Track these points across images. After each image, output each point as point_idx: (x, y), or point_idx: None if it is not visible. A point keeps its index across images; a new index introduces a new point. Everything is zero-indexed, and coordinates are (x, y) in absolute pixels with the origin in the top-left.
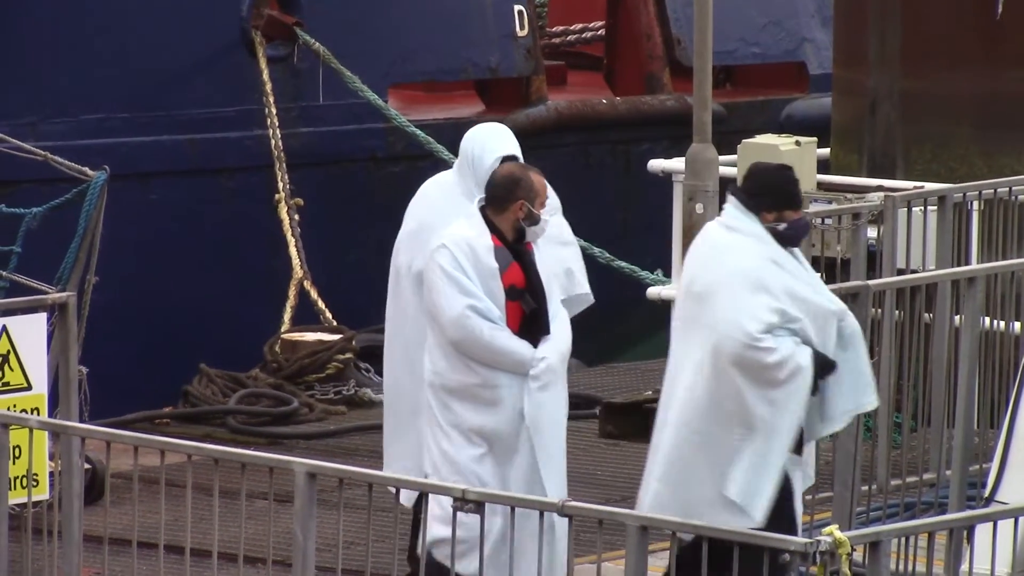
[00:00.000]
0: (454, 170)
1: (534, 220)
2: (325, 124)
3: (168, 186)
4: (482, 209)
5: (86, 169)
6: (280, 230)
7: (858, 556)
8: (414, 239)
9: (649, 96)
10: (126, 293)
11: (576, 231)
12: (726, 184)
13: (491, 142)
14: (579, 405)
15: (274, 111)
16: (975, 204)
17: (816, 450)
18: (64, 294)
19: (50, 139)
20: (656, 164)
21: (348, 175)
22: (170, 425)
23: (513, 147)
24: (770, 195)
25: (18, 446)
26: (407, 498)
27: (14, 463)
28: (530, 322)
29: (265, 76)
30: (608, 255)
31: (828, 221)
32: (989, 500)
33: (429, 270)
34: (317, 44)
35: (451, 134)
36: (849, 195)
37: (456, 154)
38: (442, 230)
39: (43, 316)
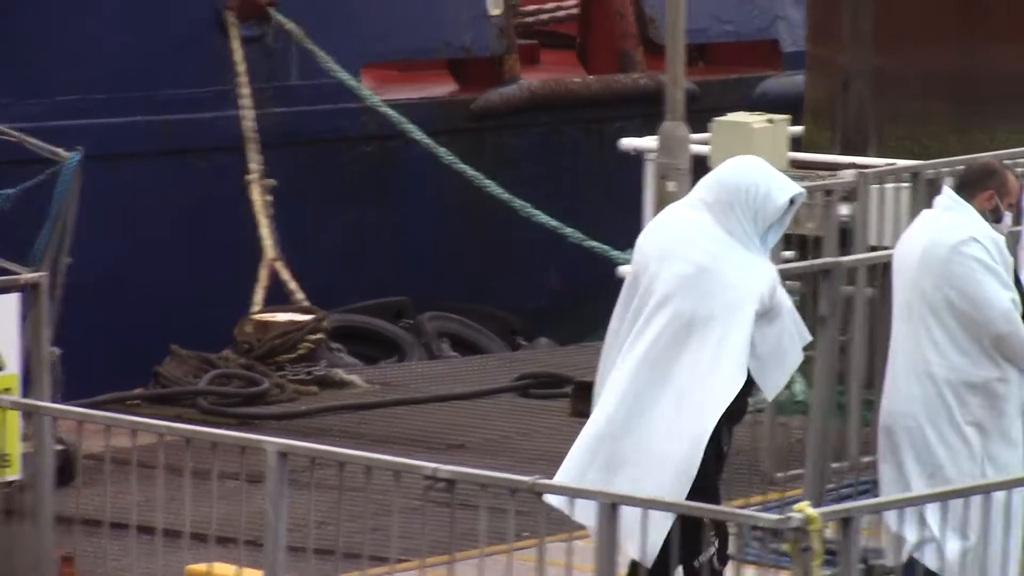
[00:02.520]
0: (706, 209)
1: (998, 216)
2: (298, 104)
3: (142, 167)
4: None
5: (60, 150)
6: (252, 211)
7: (830, 533)
8: (696, 286)
9: (622, 75)
10: (99, 274)
11: (548, 210)
12: (698, 162)
13: (779, 179)
14: (550, 384)
15: (247, 91)
16: (948, 181)
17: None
18: (36, 274)
19: (25, 120)
20: (628, 142)
21: (321, 155)
22: (141, 406)
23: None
24: None
25: None
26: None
27: None
28: None
29: (238, 56)
30: (580, 234)
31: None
32: None
33: (961, 264)
34: (290, 24)
35: (424, 113)
36: (822, 172)
37: (430, 133)
38: (729, 275)
39: (15, 296)
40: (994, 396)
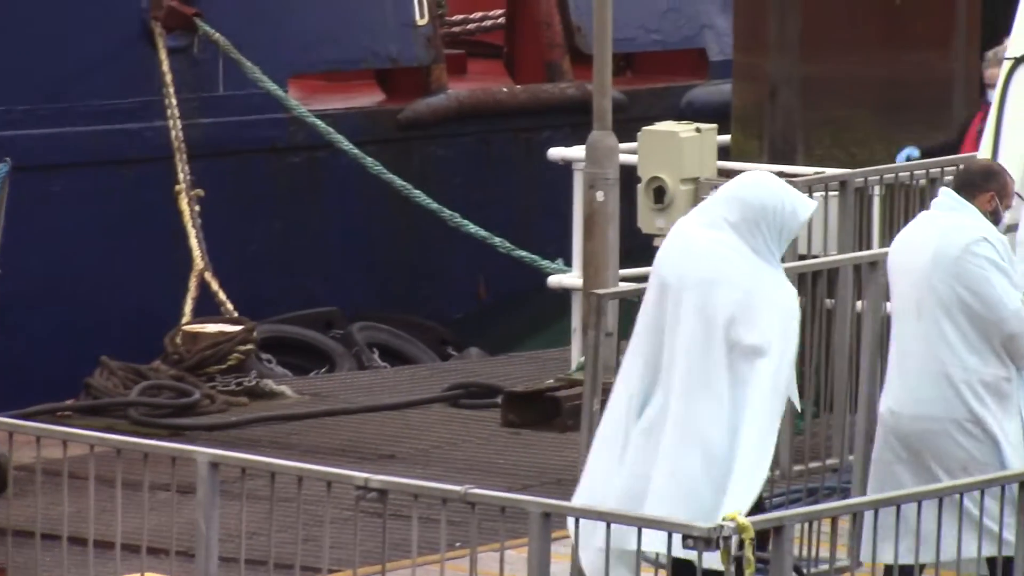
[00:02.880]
0: (731, 228)
1: (997, 218)
2: (225, 114)
3: (70, 177)
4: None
5: None
6: (181, 221)
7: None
8: (749, 311)
9: (549, 84)
10: (29, 285)
11: (477, 220)
12: (627, 172)
13: (797, 195)
14: (481, 394)
15: (174, 102)
16: (876, 189)
17: None
18: None
19: None
20: (556, 152)
21: (249, 165)
22: (72, 417)
23: None
24: None
25: None
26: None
27: None
28: None
29: (165, 67)
30: (509, 244)
31: None
32: None
33: (973, 264)
34: (217, 35)
35: (352, 123)
36: None
37: (358, 144)
38: (775, 297)
39: None
40: (1002, 396)
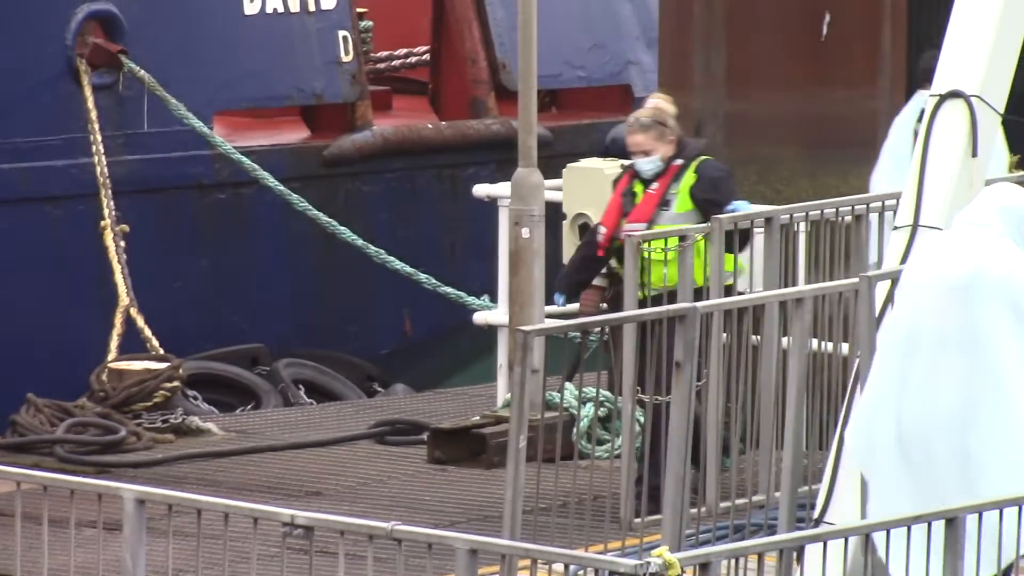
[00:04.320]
0: (1004, 235)
1: None
2: (151, 151)
3: None
4: None
5: None
6: (106, 258)
7: None
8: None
9: (474, 120)
10: None
11: (402, 256)
12: (552, 208)
13: None
14: (407, 431)
15: (99, 139)
16: (801, 226)
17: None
18: None
19: None
20: (481, 189)
21: (174, 202)
22: None
23: None
24: None
25: None
26: None
27: None
28: None
29: (90, 104)
30: (434, 280)
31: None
32: (818, 521)
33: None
34: (142, 72)
35: (277, 160)
36: None
37: (283, 180)
38: None
39: None
40: None
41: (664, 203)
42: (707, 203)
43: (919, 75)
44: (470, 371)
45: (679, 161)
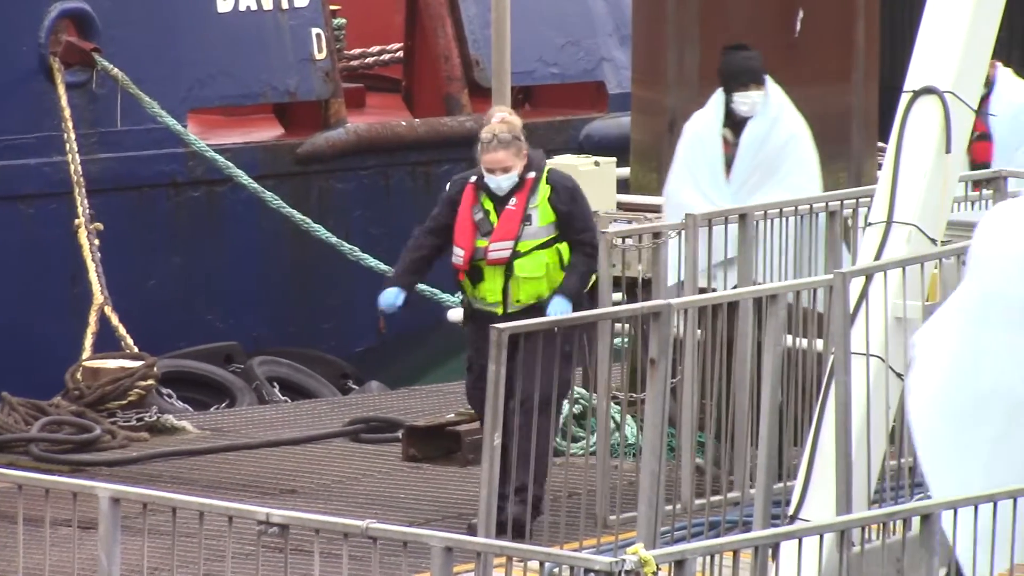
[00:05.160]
0: None
1: None
2: (124, 149)
3: None
4: None
5: None
6: (81, 256)
7: (663, 575)
8: None
9: (448, 117)
10: None
11: (376, 254)
12: None
13: None
14: (382, 428)
15: (73, 137)
16: (776, 222)
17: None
18: None
19: None
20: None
21: (148, 200)
22: None
23: None
24: None
25: None
26: None
27: None
28: None
29: (64, 102)
30: None
31: (629, 241)
32: (793, 518)
33: None
34: (115, 70)
35: (251, 158)
36: (649, 215)
37: (257, 178)
38: None
39: None
40: None
41: (526, 218)
42: (568, 215)
43: (725, 75)
44: (444, 368)
45: (532, 174)
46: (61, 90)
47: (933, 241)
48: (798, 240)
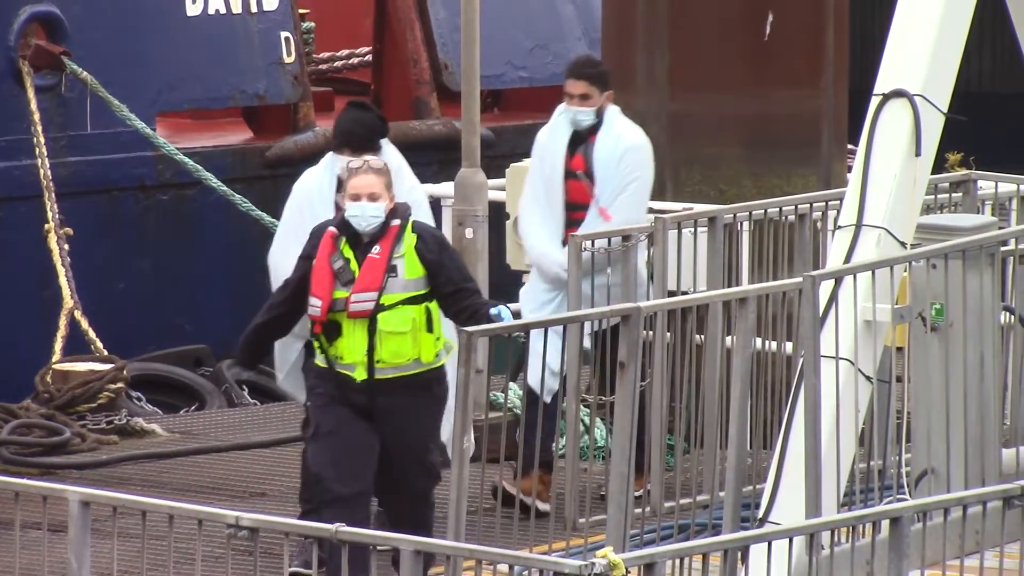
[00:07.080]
0: None
1: None
2: (93, 153)
3: None
4: None
5: None
6: (50, 260)
7: None
8: None
9: (417, 121)
10: None
11: None
12: (495, 208)
13: None
14: None
15: (42, 140)
16: (745, 225)
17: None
18: None
19: None
20: (425, 189)
21: (117, 204)
22: None
23: None
24: None
25: None
26: None
27: None
28: None
29: (33, 106)
30: None
31: (598, 243)
32: (763, 521)
33: None
34: (85, 73)
35: (220, 161)
36: None
37: (226, 181)
38: None
39: None
40: None
41: (391, 268)
42: (439, 264)
43: (338, 137)
44: None
45: (397, 222)
46: (30, 93)
47: (903, 244)
48: (767, 243)
